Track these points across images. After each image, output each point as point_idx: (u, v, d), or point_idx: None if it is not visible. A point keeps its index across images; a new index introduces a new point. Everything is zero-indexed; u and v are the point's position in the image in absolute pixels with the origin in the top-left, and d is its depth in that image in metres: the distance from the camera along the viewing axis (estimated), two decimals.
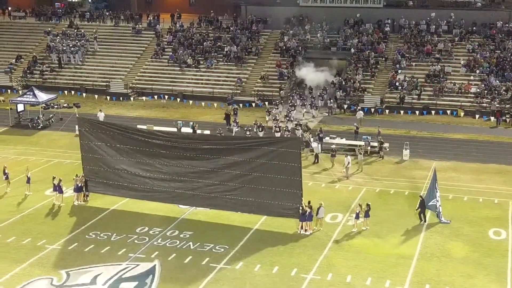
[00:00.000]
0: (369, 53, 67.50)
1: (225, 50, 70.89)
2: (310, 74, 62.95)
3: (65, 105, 62.21)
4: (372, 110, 59.84)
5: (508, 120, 56.82)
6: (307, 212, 33.50)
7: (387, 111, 60.31)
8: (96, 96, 66.70)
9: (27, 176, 39.19)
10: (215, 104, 63.52)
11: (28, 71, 71.98)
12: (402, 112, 59.81)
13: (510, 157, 47.62)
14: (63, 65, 72.43)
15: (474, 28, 68.94)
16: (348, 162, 42.46)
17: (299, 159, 33.33)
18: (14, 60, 73.95)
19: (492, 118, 57.31)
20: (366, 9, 73.27)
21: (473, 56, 65.13)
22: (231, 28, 74.85)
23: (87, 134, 37.35)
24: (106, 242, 32.56)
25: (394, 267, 30.15)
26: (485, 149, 49.60)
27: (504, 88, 60.57)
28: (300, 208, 33.49)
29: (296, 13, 74.63)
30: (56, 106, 61.03)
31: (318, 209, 33.99)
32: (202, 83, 68.12)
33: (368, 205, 34.54)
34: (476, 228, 34.69)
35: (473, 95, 60.91)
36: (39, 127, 55.30)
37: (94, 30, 75.91)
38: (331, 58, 69.26)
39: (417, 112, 59.59)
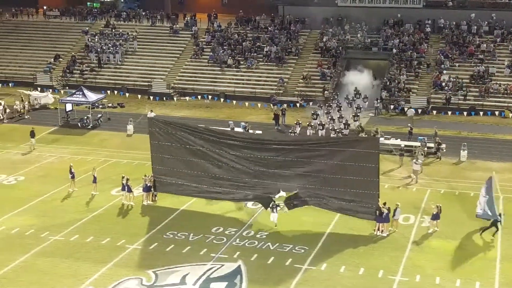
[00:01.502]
0: (411, 53, 67.25)
1: (265, 50, 70.76)
2: (355, 78, 62.79)
3: (109, 104, 62.20)
4: (420, 110, 59.47)
5: None
6: (384, 214, 33.37)
7: (434, 111, 59.98)
8: (139, 96, 66.61)
9: (93, 176, 39.16)
10: (259, 104, 63.37)
11: (68, 71, 71.99)
12: (450, 112, 59.43)
13: None
14: (102, 65, 72.39)
15: None
16: (420, 165, 42.20)
17: (377, 160, 33.18)
18: (52, 60, 73.88)
19: None
20: (405, 9, 73.02)
21: None
22: (269, 28, 74.69)
23: (158, 134, 37.36)
24: (185, 242, 32.60)
25: (479, 269, 30.10)
26: None
27: None
28: (377, 209, 33.34)
29: (334, 13, 74.48)
30: (100, 106, 60.99)
31: (395, 210, 33.88)
32: (243, 83, 68.05)
33: (438, 207, 34.34)
34: None
35: None
36: (89, 127, 55.32)
37: (135, 30, 75.85)
38: (372, 58, 69.09)
39: (465, 113, 59.26)
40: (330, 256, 31.16)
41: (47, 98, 61.43)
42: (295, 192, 34.22)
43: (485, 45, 66.84)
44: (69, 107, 57.55)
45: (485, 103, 60.89)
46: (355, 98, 61.56)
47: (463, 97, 61.55)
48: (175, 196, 37.94)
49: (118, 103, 63.71)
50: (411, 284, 28.58)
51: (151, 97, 66.51)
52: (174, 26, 77.24)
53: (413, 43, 68.82)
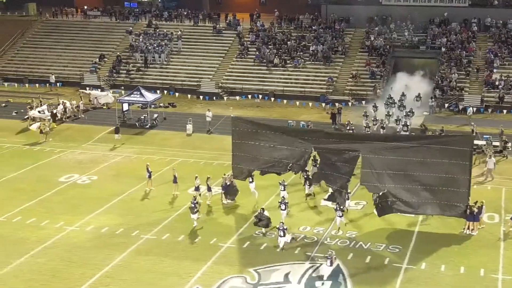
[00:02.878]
0: (460, 52, 67.07)
1: (311, 49, 70.72)
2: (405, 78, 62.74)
3: (161, 104, 62.27)
4: (475, 109, 59.28)
5: None
6: (475, 212, 33.28)
7: (489, 110, 59.80)
8: (188, 96, 66.70)
9: (174, 176, 39.20)
10: (310, 104, 63.33)
11: (114, 71, 72.16)
12: (505, 111, 59.24)
13: None
14: (148, 65, 72.55)
15: None
16: (494, 163, 42.12)
17: (470, 157, 33.04)
18: (97, 60, 74.08)
19: None
20: (451, 8, 72.86)
21: None
22: (313, 27, 74.66)
23: (240, 133, 37.41)
24: (276, 241, 32.46)
25: None
26: None
27: None
28: (468, 207, 33.24)
29: (378, 12, 74.46)
30: (153, 106, 61.07)
31: (480, 208, 33.77)
32: (291, 82, 68.04)
33: None
34: None
35: None
36: (147, 126, 55.41)
37: (179, 30, 75.98)
38: (420, 57, 68.94)
39: None
40: (427, 255, 31.09)
41: (107, 97, 61.67)
42: (383, 193, 33.78)
43: None
44: (125, 107, 57.64)
45: None
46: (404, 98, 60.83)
47: None
48: (251, 195, 37.74)
49: (170, 103, 63.81)
50: None
51: (201, 97, 66.43)
52: (217, 26, 77.24)
53: (461, 42, 68.59)
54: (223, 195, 38.12)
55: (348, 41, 72.39)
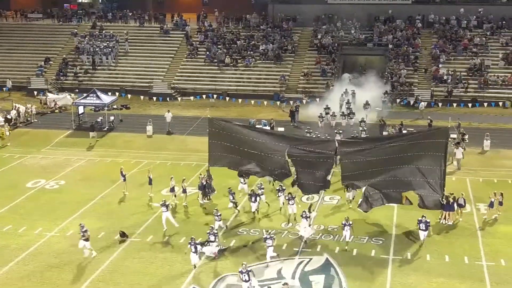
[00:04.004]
0: (407, 48, 68.82)
1: (261, 48, 71.21)
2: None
3: (114, 106, 61.44)
4: (426, 103, 61.02)
5: None
6: (450, 202, 34.31)
7: (440, 104, 61.65)
8: (141, 97, 66.13)
9: (149, 177, 38.88)
10: (265, 102, 63.78)
11: (61, 73, 70.80)
12: (455, 105, 61.18)
13: None
14: (96, 67, 71.51)
15: (504, 22, 70.91)
16: (462, 153, 43.45)
17: (445, 148, 33.99)
18: (43, 63, 72.52)
19: None
20: (395, 5, 74.73)
21: (510, 49, 67.05)
22: (261, 27, 75.18)
23: (216, 134, 37.40)
24: (262, 239, 32.67)
25: None
26: None
27: None
28: (444, 198, 34.23)
29: (325, 10, 75.68)
30: (106, 108, 60.19)
31: (458, 199, 34.85)
32: (243, 82, 68.35)
33: (498, 194, 35.49)
34: None
35: None
36: (105, 129, 54.66)
37: (125, 32, 75.16)
38: (368, 54, 70.40)
39: (469, 104, 61.08)
40: (410, 246, 31.91)
41: (66, 99, 60.54)
42: (366, 189, 34.35)
43: (478, 38, 68.87)
44: (81, 109, 56.74)
45: (485, 94, 62.76)
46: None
47: (464, 90, 63.34)
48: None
49: (123, 105, 63.09)
50: (499, 268, 29.54)
51: (154, 98, 65.91)
52: (164, 27, 76.80)
53: (407, 38, 70.39)
54: (200, 194, 38.02)
55: (296, 40, 73.15)
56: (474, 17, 72.18)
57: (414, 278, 28.62)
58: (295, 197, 34.95)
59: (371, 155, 33.86)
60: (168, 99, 65.93)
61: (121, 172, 39.44)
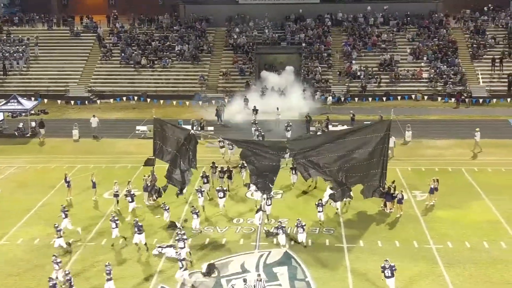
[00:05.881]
0: (319, 46, 70.92)
1: (177, 49, 71.39)
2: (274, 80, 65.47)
3: (32, 112, 59.86)
4: (343, 99, 63.32)
5: (467, 100, 62.52)
6: (392, 191, 36.07)
7: (356, 99, 64.03)
8: (58, 101, 64.83)
9: (92, 181, 38.53)
10: (187, 102, 64.04)
11: None
12: (370, 99, 63.74)
13: (493, 131, 52.55)
14: (7, 72, 69.43)
15: (408, 18, 74.40)
16: (394, 142, 45.39)
17: (387, 140, 35.61)
18: None
19: (453, 100, 62.75)
20: (304, 4, 76.64)
21: (416, 44, 70.47)
22: (175, 28, 75.32)
23: (159, 135, 37.63)
24: (218, 235, 33.58)
25: (494, 230, 33.66)
26: (464, 127, 53.99)
27: (452, 72, 66.38)
28: (385, 187, 35.92)
29: (237, 11, 76.66)
30: (23, 114, 58.74)
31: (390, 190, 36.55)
32: (162, 82, 68.36)
33: (435, 180, 37.63)
34: None
35: (427, 80, 66.23)
36: (28, 135, 53.39)
37: (35, 35, 73.35)
38: (282, 52, 71.96)
39: (384, 98, 63.81)
40: (361, 234, 33.39)
41: None
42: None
43: (385, 35, 71.91)
44: (0, 116, 55.11)
45: (397, 88, 65.73)
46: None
47: (376, 84, 66.06)
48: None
49: (41, 110, 61.60)
50: (447, 250, 31.42)
51: (72, 102, 64.77)
52: (75, 29, 75.47)
53: (319, 37, 72.50)
54: (145, 196, 38.05)
55: (211, 40, 73.75)
56: (380, 14, 75.17)
57: (372, 263, 29.94)
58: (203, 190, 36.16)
59: (321, 153, 34.71)
60: (86, 102, 64.89)
61: (65, 178, 38.79)
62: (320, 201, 34.44)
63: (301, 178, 36.77)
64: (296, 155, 34.34)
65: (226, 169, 40.06)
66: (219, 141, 46.06)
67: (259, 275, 27.25)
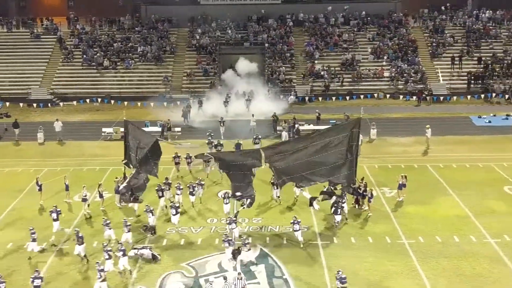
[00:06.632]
0: (282, 46, 71.43)
1: (139, 50, 71.15)
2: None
3: None
4: (307, 98, 63.94)
5: (428, 98, 63.77)
6: (362, 189, 36.65)
7: (320, 98, 64.73)
8: (20, 104, 64.01)
9: (65, 184, 38.26)
10: (152, 104, 63.82)
11: None
12: (334, 98, 64.53)
13: (455, 128, 53.74)
14: None
15: (368, 18, 75.47)
16: (361, 140, 45.87)
17: (358, 138, 36.07)
18: None
19: (414, 98, 63.93)
20: (266, 5, 77.18)
21: (377, 44, 71.53)
22: (137, 29, 75.04)
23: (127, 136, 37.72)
24: (192, 235, 33.63)
25: (464, 225, 34.46)
26: (426, 124, 54.36)
27: (413, 71, 67.60)
28: (355, 185, 36.46)
29: (198, 12, 76.71)
30: None
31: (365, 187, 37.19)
32: (125, 84, 68.05)
33: (403, 176, 38.37)
34: (493, 187, 39.97)
35: (388, 79, 67.31)
36: None
37: None
38: (245, 53, 72.10)
39: (347, 97, 64.65)
40: (334, 231, 33.80)
41: None
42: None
43: (346, 35, 72.80)
44: None
45: (359, 87, 66.65)
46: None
47: (339, 84, 66.87)
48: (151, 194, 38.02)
49: (2, 113, 60.79)
50: (420, 245, 32.08)
51: (34, 105, 64.01)
52: (35, 31, 74.59)
53: (281, 37, 73.01)
54: (116, 198, 37.91)
55: (174, 41, 73.67)
56: (341, 14, 76.08)
57: (347, 260, 30.46)
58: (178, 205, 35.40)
59: (295, 157, 34.92)
60: (49, 105, 64.24)
61: (37, 182, 38.40)
62: (295, 218, 33.44)
63: (285, 191, 36.96)
64: (271, 161, 34.49)
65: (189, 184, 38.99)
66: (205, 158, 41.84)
67: (239, 273, 27.44)
